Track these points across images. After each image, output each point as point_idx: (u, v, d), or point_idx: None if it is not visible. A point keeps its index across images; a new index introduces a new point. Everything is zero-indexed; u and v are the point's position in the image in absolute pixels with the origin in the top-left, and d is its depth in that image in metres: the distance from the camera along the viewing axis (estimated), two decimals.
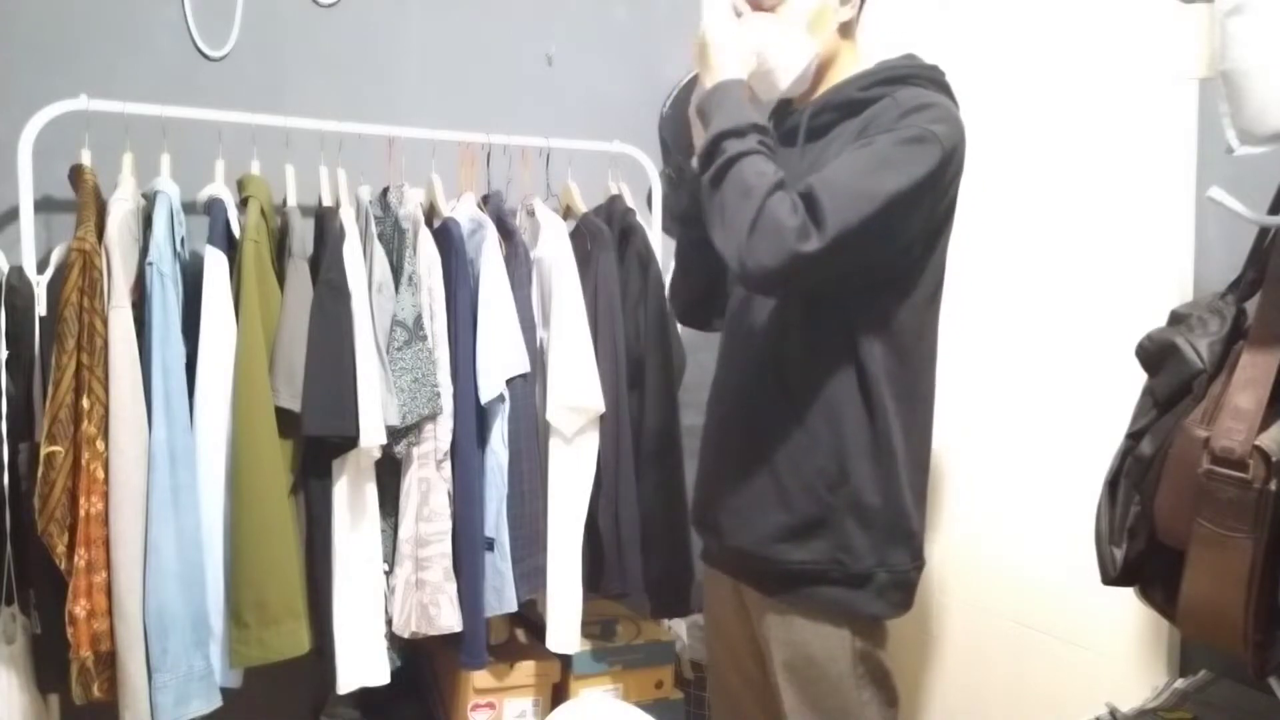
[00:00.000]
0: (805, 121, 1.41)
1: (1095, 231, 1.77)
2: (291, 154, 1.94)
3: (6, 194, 1.80)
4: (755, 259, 1.20)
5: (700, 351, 1.72)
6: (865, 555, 1.35)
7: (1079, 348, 1.79)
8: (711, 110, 1.31)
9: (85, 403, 1.61)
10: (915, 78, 1.35)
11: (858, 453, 1.34)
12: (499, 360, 1.92)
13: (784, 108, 1.51)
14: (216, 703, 1.73)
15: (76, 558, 1.61)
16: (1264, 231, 1.30)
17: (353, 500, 1.85)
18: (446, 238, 1.96)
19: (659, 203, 2.38)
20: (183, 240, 1.78)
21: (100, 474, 1.63)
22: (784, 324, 1.37)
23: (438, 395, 1.88)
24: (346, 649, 1.84)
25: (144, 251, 1.72)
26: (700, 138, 1.36)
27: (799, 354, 1.36)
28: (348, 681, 1.84)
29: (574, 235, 2.10)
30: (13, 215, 1.77)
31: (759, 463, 1.39)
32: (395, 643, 1.92)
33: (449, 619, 1.89)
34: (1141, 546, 1.32)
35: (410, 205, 1.98)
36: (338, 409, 1.76)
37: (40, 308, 1.71)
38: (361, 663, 1.85)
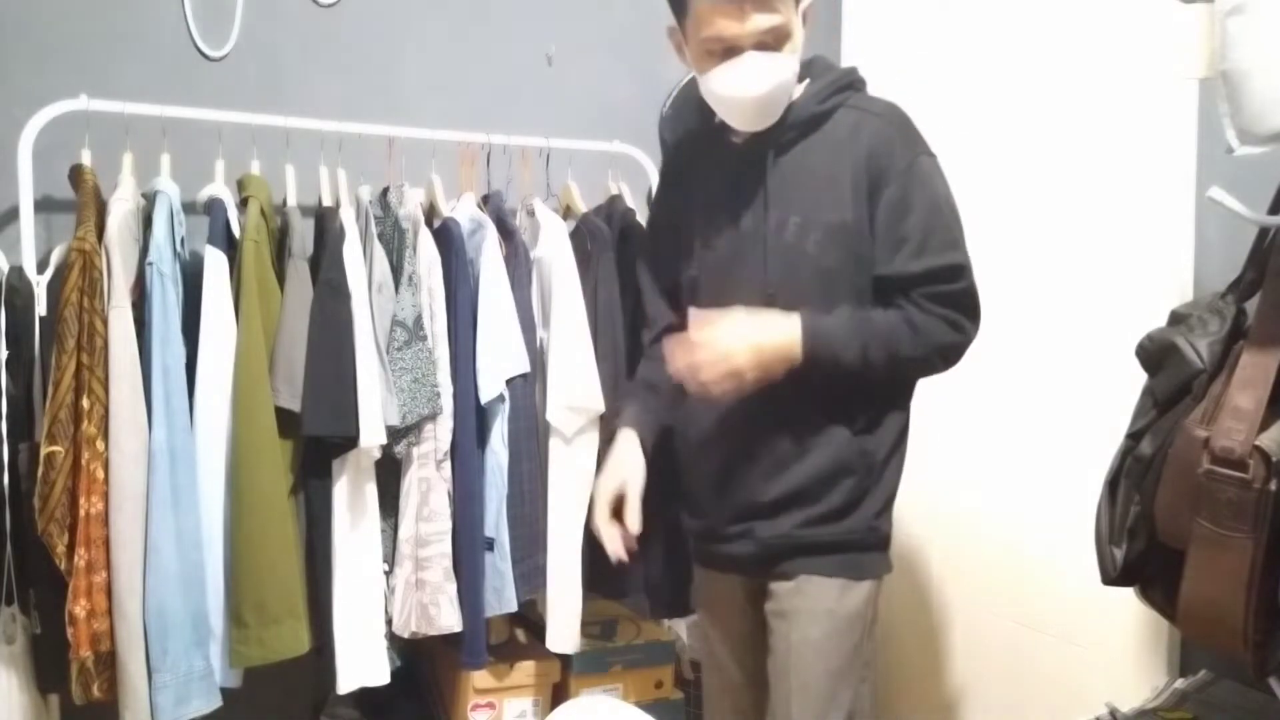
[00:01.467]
0: (775, 139, 1.43)
1: (1095, 231, 1.77)
2: (291, 154, 1.94)
3: (6, 194, 1.80)
4: (956, 366, 1.42)
5: None
6: (885, 523, 1.47)
7: (1079, 348, 1.79)
8: (824, 358, 1.35)
9: (85, 403, 1.61)
10: (855, 82, 1.46)
11: (884, 428, 1.43)
12: (499, 360, 1.92)
13: (722, 127, 1.48)
14: (216, 703, 1.73)
15: (76, 558, 1.61)
16: (1264, 231, 1.30)
17: (353, 500, 1.84)
18: (446, 238, 1.96)
19: None
20: (183, 240, 1.78)
21: (100, 474, 1.63)
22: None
23: (438, 395, 1.88)
24: (346, 649, 1.83)
25: (144, 251, 1.72)
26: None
27: None
28: (348, 681, 1.84)
29: (574, 235, 2.10)
30: (13, 215, 1.77)
31: (793, 458, 1.42)
32: (395, 643, 1.91)
33: (449, 619, 1.89)
34: (1141, 546, 1.32)
35: (410, 205, 1.98)
36: (338, 409, 1.76)
37: (40, 308, 1.71)
38: (361, 663, 1.85)
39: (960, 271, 1.38)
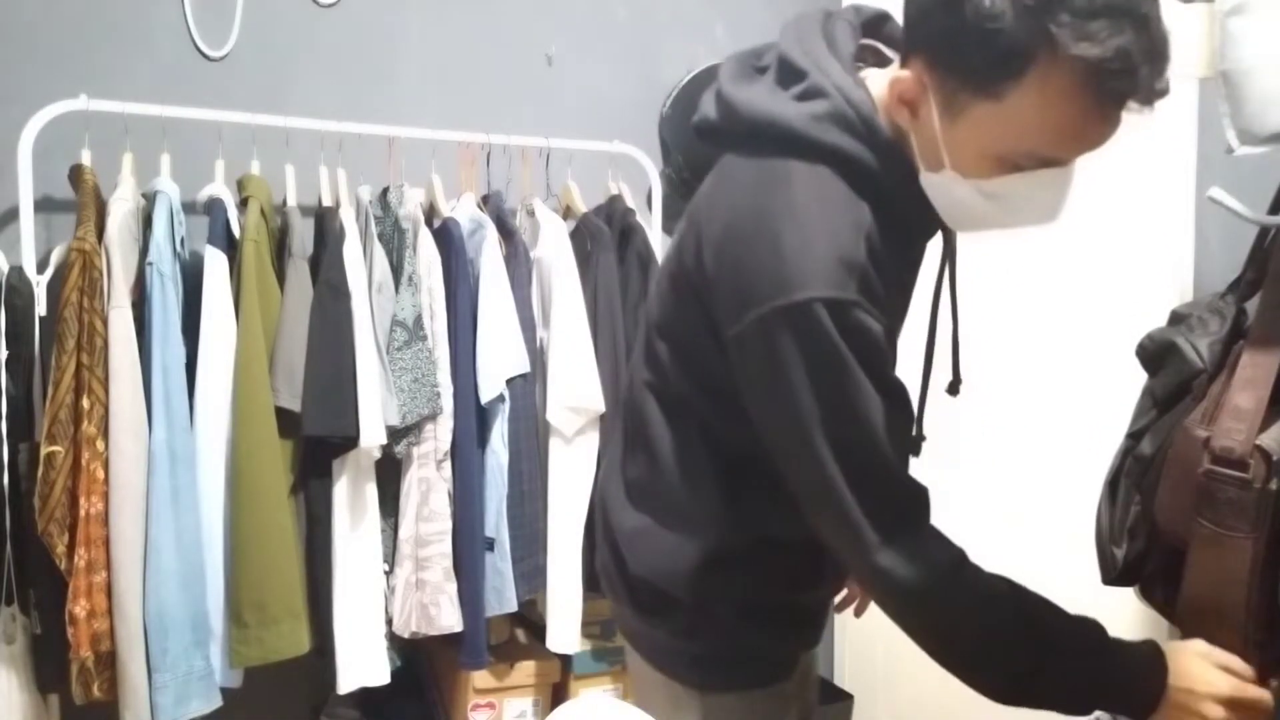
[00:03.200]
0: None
1: (1095, 232, 1.77)
2: (291, 154, 1.94)
3: (6, 194, 1.80)
4: None
5: None
6: None
7: (1079, 348, 1.79)
8: None
9: (85, 403, 1.61)
10: None
11: None
12: (499, 360, 1.92)
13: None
14: (216, 703, 1.74)
15: (76, 558, 1.61)
16: (1264, 231, 1.30)
17: (353, 500, 1.85)
18: (446, 238, 1.96)
19: (659, 203, 2.37)
20: (183, 240, 1.78)
21: (100, 474, 1.63)
22: None
23: (438, 395, 1.88)
24: (346, 649, 1.84)
25: (144, 251, 1.72)
26: None
27: None
28: (348, 681, 1.84)
29: (574, 235, 2.10)
30: (13, 215, 1.77)
31: None
32: (395, 643, 1.92)
33: (449, 619, 1.89)
34: (1141, 546, 1.32)
35: (410, 205, 1.98)
36: (338, 409, 1.76)
37: (40, 308, 1.71)
38: (361, 663, 1.85)
39: None
